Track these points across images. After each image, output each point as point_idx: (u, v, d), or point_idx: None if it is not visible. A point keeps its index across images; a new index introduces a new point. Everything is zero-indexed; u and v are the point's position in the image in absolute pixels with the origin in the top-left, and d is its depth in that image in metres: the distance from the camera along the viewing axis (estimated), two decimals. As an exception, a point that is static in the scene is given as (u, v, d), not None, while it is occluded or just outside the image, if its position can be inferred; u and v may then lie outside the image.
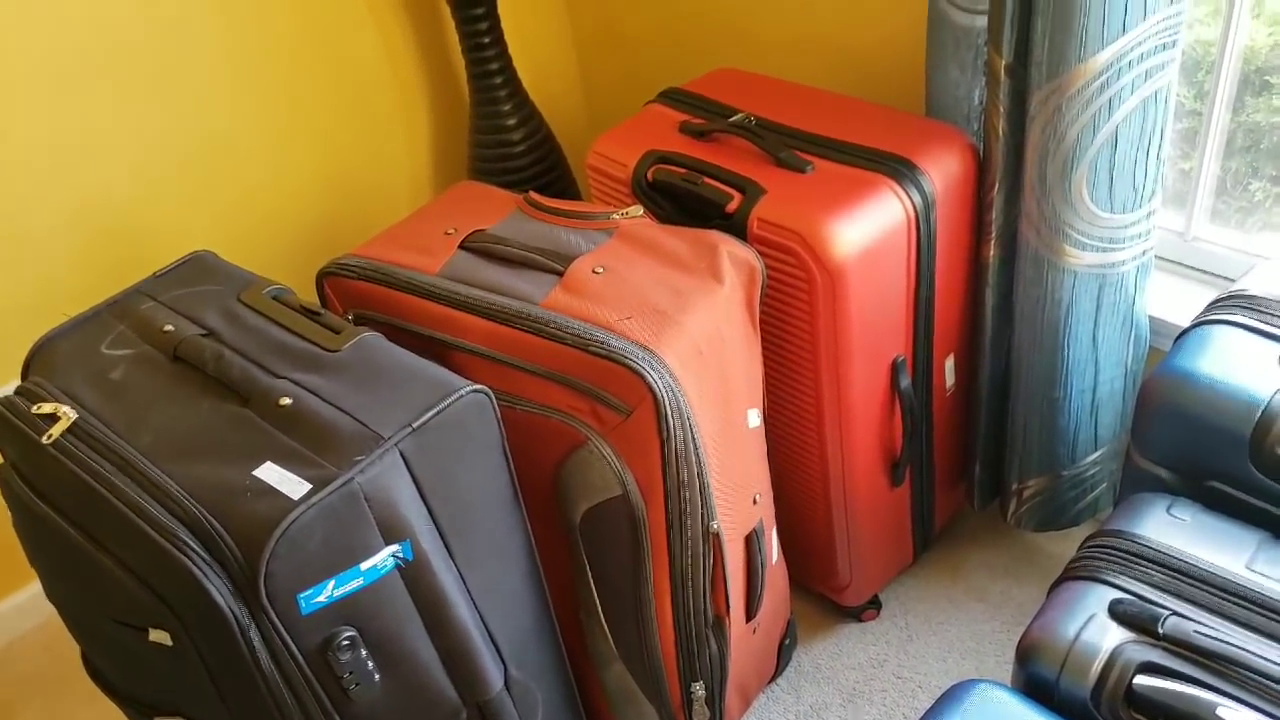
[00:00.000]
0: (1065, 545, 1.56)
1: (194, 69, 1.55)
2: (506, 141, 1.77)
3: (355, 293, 1.17)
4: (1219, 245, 1.34)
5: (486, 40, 1.69)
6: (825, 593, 1.51)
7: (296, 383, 0.92)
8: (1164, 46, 1.05)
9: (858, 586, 1.46)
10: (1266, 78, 1.23)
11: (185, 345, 0.97)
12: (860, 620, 1.52)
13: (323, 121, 1.72)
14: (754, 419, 1.18)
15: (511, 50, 1.75)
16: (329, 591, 0.81)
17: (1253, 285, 1.06)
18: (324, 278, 1.19)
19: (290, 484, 0.80)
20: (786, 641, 1.42)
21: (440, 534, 0.90)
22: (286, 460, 0.83)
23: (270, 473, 0.82)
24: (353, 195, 1.80)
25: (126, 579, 0.82)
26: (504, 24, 1.71)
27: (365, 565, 0.83)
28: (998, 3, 1.11)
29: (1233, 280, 1.31)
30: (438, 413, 0.87)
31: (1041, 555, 1.56)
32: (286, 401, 0.89)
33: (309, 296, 1.19)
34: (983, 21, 1.18)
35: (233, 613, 0.78)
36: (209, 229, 1.65)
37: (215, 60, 1.57)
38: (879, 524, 1.41)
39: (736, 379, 1.12)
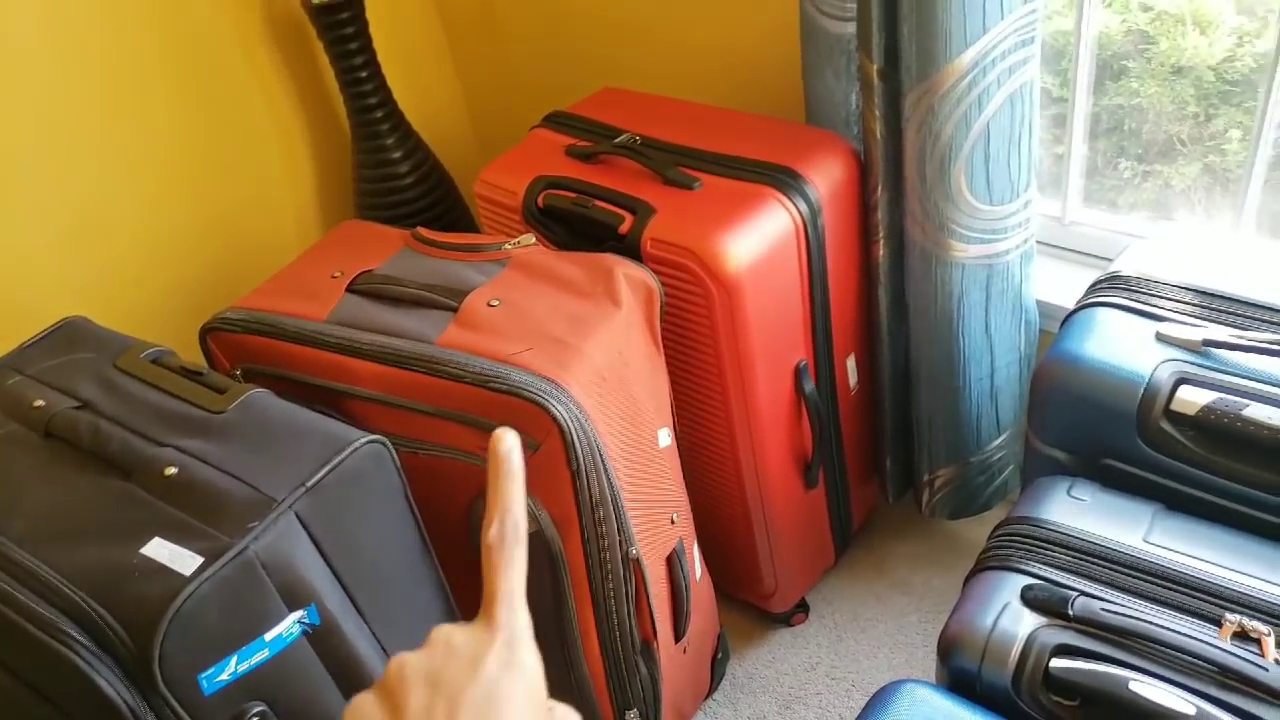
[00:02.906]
0: (981, 530, 1.59)
1: (52, 118, 1.48)
2: (393, 175, 1.74)
3: (242, 347, 1.13)
4: (1094, 227, 1.38)
5: (363, 75, 1.66)
6: (753, 601, 1.51)
7: (181, 450, 0.88)
8: (1024, 43, 1.08)
9: (784, 592, 1.47)
10: (1123, 62, 1.28)
11: (57, 420, 0.92)
12: (790, 625, 1.53)
13: (198, 168, 1.66)
14: (664, 438, 1.18)
15: (392, 82, 1.72)
16: (232, 668, 0.78)
17: (1125, 267, 1.10)
18: (207, 334, 1.15)
19: (181, 559, 0.77)
20: (719, 655, 1.41)
21: (347, 593, 0.87)
22: (175, 534, 0.79)
23: (159, 549, 0.78)
24: (236, 244, 1.75)
25: (5, 679, 0.77)
26: (382, 55, 1.68)
27: (269, 635, 0.80)
28: (864, 9, 1.13)
29: (1110, 260, 1.36)
30: (333, 468, 0.85)
31: (959, 541, 1.59)
32: (171, 471, 0.85)
33: (195, 355, 1.14)
34: (852, 28, 1.20)
35: (127, 705, 0.73)
36: (80, 292, 1.57)
37: (78, 109, 1.50)
38: (798, 527, 1.42)
39: (643, 401, 1.12)
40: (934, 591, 1.53)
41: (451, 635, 0.44)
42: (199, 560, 0.76)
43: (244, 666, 0.78)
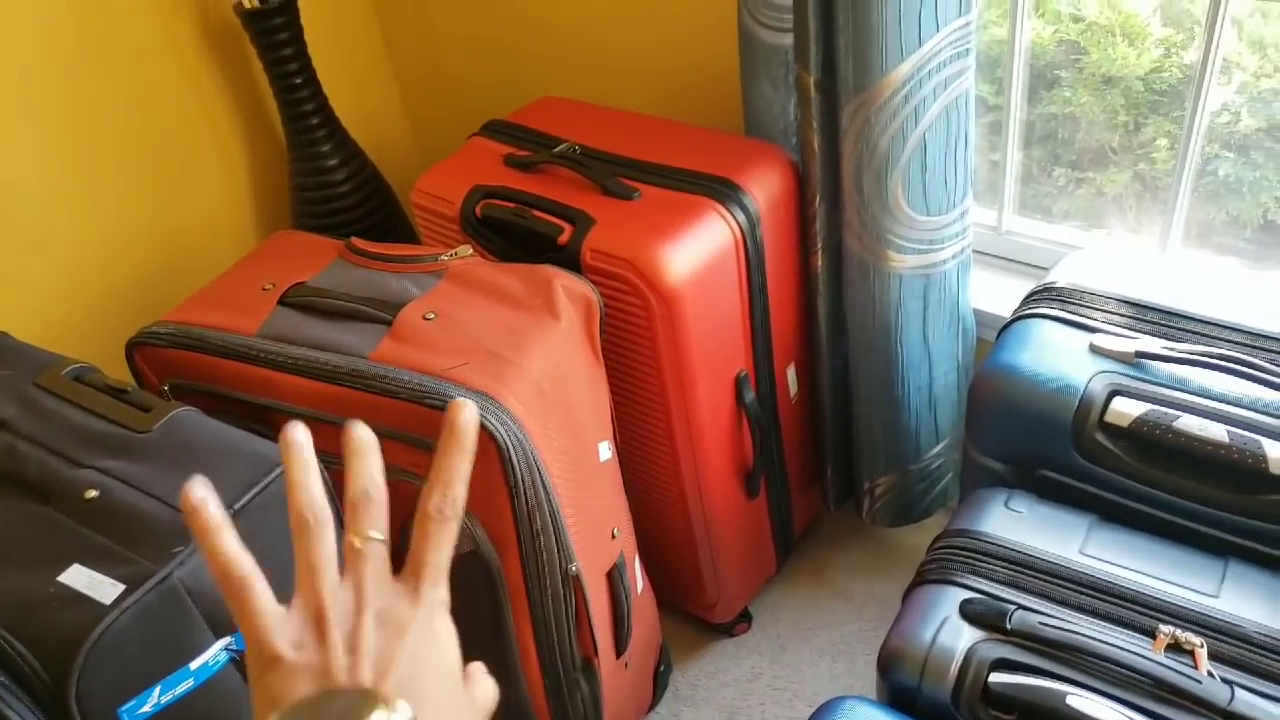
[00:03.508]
0: (921, 536, 1.60)
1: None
2: (329, 183, 1.71)
3: (170, 362, 1.10)
4: (1029, 237, 1.40)
5: (298, 81, 1.63)
6: (695, 612, 1.51)
7: (103, 471, 0.85)
8: (959, 55, 1.09)
9: (726, 602, 1.47)
10: (1056, 71, 1.30)
11: (-27, 442, 0.89)
12: (733, 635, 1.52)
13: (126, 176, 1.61)
14: (605, 452, 1.17)
15: (329, 89, 1.69)
16: (155, 699, 0.75)
17: (1060, 278, 1.12)
18: (134, 349, 1.11)
19: (101, 587, 0.74)
20: (661, 668, 1.41)
21: (277, 617, 0.85)
22: (96, 560, 0.76)
23: (77, 576, 0.75)
24: (166, 255, 1.70)
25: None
26: (317, 62, 1.65)
27: (195, 664, 0.77)
28: (801, 21, 1.13)
29: (1045, 268, 1.38)
30: (262, 489, 0.82)
31: (899, 549, 1.60)
32: (92, 494, 0.82)
33: (122, 371, 1.11)
34: (790, 39, 1.20)
35: (41, 742, 0.71)
36: (2, 307, 1.52)
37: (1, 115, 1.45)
38: (740, 537, 1.42)
39: (583, 414, 1.11)
40: (875, 599, 1.54)
41: (377, 603, 0.45)
42: (120, 588, 0.74)
43: (168, 697, 0.76)
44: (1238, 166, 1.23)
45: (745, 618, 1.53)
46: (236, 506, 0.81)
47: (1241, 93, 1.19)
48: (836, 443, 1.47)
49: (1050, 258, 1.37)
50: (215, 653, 0.79)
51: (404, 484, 1.01)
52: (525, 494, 1.00)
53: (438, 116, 1.99)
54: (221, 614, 0.79)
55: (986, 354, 1.09)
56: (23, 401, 0.94)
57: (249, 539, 0.81)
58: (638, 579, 1.27)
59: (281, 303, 1.12)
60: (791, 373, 1.38)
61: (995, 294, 1.38)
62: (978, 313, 1.34)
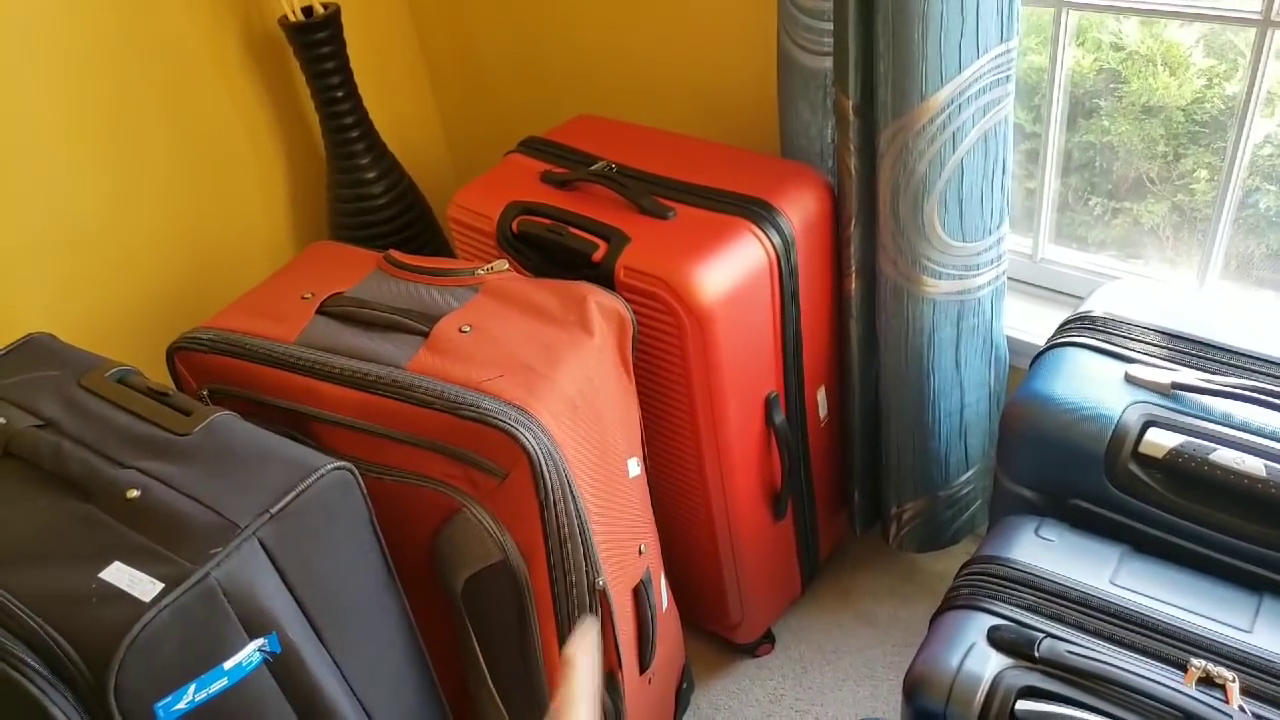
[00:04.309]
0: (947, 563, 1.59)
1: (27, 131, 1.47)
2: (367, 195, 1.73)
3: (209, 367, 1.12)
4: (1065, 265, 1.40)
5: (340, 94, 1.66)
6: (719, 632, 1.51)
7: (144, 472, 0.86)
8: (999, 82, 1.09)
9: (750, 623, 1.46)
10: (1095, 100, 1.30)
11: (18, 439, 0.90)
12: (755, 656, 1.52)
13: (170, 184, 1.65)
14: (634, 468, 1.17)
15: (369, 102, 1.71)
16: (190, 697, 0.76)
17: (1096, 307, 1.11)
18: (174, 353, 1.13)
19: (140, 585, 0.75)
20: (683, 686, 1.41)
21: (309, 622, 0.86)
22: (136, 559, 0.78)
23: (118, 574, 0.77)
24: (207, 262, 1.73)
25: (-42, 706, 0.75)
26: (359, 76, 1.68)
27: (229, 664, 0.78)
28: (841, 45, 1.14)
29: (1080, 297, 1.37)
30: (297, 495, 0.83)
31: (925, 574, 1.59)
32: (134, 494, 0.83)
33: (162, 374, 1.13)
34: (829, 63, 1.21)
35: (79, 734, 0.72)
36: (47, 308, 1.55)
37: (52, 123, 1.49)
38: (765, 559, 1.41)
39: (613, 430, 1.11)
40: (899, 624, 1.53)
41: None
42: (159, 586, 0.75)
43: (202, 695, 0.77)
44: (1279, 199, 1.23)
45: (769, 639, 1.52)
46: (273, 510, 0.82)
47: (1285, 125, 1.18)
48: (865, 466, 1.47)
49: (1086, 287, 1.37)
50: (249, 653, 0.80)
51: (437, 493, 1.02)
52: (555, 506, 1.00)
53: (474, 132, 2.01)
54: (256, 615, 0.80)
55: (1019, 382, 1.08)
56: (68, 402, 0.96)
57: (284, 544, 0.83)
58: (663, 596, 1.27)
59: (320, 312, 1.13)
60: (821, 395, 1.39)
61: (1029, 321, 1.37)
62: (1011, 340, 1.34)
